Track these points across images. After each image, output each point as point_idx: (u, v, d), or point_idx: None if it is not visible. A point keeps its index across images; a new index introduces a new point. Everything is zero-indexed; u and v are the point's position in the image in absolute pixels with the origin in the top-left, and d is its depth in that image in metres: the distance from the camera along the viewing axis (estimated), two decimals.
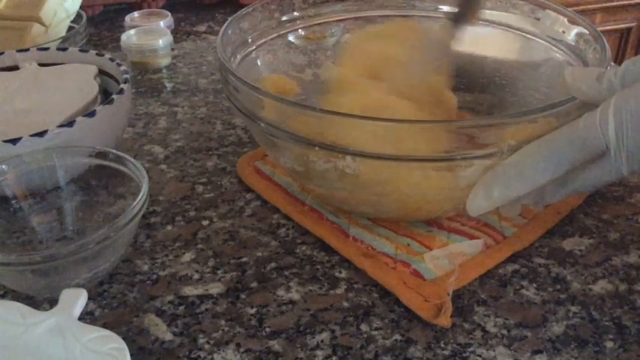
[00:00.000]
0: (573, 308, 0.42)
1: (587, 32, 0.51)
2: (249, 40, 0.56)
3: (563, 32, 0.54)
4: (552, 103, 0.40)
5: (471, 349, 0.39)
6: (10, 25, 0.75)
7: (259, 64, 0.57)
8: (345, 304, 0.43)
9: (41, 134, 0.47)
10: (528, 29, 0.57)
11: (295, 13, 0.60)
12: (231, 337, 0.41)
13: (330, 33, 0.62)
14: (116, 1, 0.96)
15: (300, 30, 0.60)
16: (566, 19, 0.54)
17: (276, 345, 0.40)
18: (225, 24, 0.53)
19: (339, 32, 0.62)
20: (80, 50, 0.62)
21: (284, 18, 0.59)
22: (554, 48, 0.54)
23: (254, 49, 0.57)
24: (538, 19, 0.56)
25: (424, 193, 0.44)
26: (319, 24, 0.61)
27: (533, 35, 0.56)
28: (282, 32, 0.59)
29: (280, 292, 0.44)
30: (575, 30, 0.52)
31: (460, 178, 0.41)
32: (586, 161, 0.38)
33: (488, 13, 0.59)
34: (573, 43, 0.52)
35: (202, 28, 0.93)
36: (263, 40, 0.58)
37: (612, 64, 0.45)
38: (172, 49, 0.81)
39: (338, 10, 0.62)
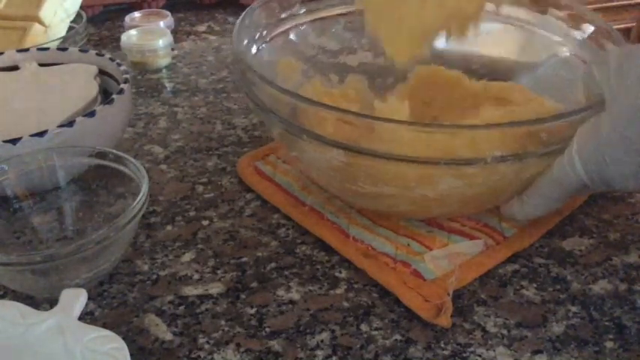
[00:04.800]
0: (573, 308, 0.42)
1: (598, 27, 0.50)
2: (264, 32, 0.55)
3: (571, 28, 0.53)
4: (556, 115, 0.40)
5: (471, 349, 0.39)
6: (10, 25, 0.75)
7: (275, 53, 0.56)
8: (345, 304, 0.43)
9: (41, 134, 0.47)
10: (534, 24, 0.56)
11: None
12: (231, 337, 0.41)
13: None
14: (116, 1, 0.96)
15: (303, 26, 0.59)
16: (574, 14, 0.53)
17: (276, 345, 0.40)
18: (242, 16, 0.52)
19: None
20: (80, 50, 0.62)
21: (283, 15, 0.58)
22: (560, 43, 0.54)
23: (271, 39, 0.56)
24: (545, 14, 0.55)
25: (420, 193, 0.43)
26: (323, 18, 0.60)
27: (539, 29, 0.55)
28: (288, 27, 0.58)
29: (280, 292, 0.44)
30: (584, 26, 0.52)
31: (443, 183, 0.42)
32: (577, 191, 0.41)
33: (492, 8, 0.58)
34: (581, 39, 0.52)
35: (202, 28, 0.93)
36: (278, 31, 0.57)
37: None
38: (172, 49, 0.81)
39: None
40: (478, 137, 0.40)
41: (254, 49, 0.54)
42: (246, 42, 0.52)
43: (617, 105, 0.39)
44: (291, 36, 0.58)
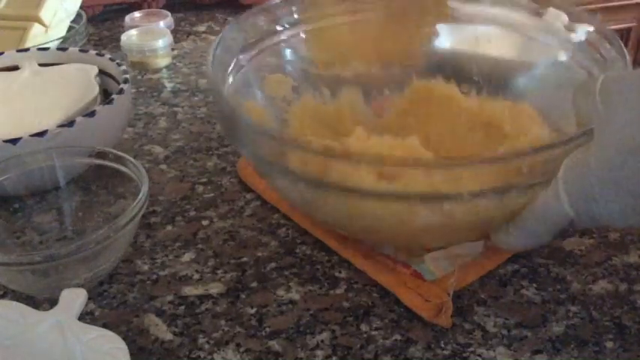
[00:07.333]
0: (573, 308, 0.42)
1: (596, 30, 0.49)
2: (241, 57, 0.55)
3: (570, 31, 0.52)
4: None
5: (471, 349, 0.39)
6: (10, 25, 0.75)
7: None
8: (345, 304, 0.43)
9: (41, 134, 0.47)
10: (531, 27, 0.55)
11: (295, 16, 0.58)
12: (231, 337, 0.41)
13: None
14: (116, 1, 0.96)
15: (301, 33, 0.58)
16: (571, 17, 0.52)
17: (276, 345, 0.40)
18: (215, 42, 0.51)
19: None
20: (80, 50, 0.62)
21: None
22: (558, 47, 0.53)
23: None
24: (541, 16, 0.54)
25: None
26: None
27: (536, 33, 0.54)
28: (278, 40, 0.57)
29: (280, 292, 0.44)
30: (582, 28, 0.51)
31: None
32: (562, 226, 0.37)
33: (488, 11, 0.58)
34: (578, 41, 0.50)
35: (202, 28, 0.93)
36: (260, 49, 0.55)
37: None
38: (172, 49, 0.81)
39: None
40: (458, 173, 0.37)
41: (230, 78, 0.52)
42: (224, 69, 0.51)
43: (606, 140, 0.34)
44: (277, 51, 0.56)
